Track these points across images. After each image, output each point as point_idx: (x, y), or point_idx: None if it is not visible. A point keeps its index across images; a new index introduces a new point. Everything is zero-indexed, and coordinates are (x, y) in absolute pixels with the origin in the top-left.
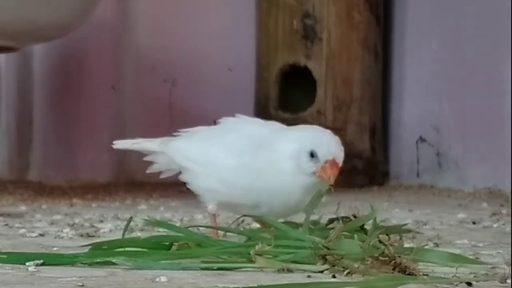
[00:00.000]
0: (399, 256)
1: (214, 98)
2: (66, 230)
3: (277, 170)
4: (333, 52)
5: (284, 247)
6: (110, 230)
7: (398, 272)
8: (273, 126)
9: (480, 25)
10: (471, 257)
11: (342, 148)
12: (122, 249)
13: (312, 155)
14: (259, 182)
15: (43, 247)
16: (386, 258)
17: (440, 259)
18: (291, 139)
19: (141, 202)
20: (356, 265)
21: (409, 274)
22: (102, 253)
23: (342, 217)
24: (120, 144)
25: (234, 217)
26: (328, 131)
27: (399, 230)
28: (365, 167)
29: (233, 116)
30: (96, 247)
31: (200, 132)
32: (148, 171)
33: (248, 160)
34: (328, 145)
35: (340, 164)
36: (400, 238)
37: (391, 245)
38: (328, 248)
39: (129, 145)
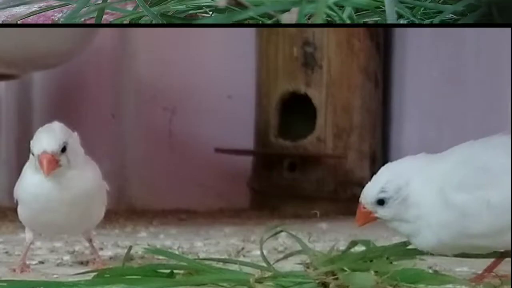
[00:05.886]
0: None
1: (214, 126)
2: (66, 257)
3: None
4: (333, 80)
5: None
6: (110, 258)
7: None
8: None
9: (481, 52)
10: None
11: None
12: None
13: None
14: None
15: (43, 274)
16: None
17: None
18: None
19: (141, 229)
20: None
21: None
22: (102, 281)
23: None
24: None
25: (234, 244)
26: None
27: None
28: None
29: None
30: (99, 275)
31: None
32: None
33: None
34: None
35: None
36: None
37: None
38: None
39: None
